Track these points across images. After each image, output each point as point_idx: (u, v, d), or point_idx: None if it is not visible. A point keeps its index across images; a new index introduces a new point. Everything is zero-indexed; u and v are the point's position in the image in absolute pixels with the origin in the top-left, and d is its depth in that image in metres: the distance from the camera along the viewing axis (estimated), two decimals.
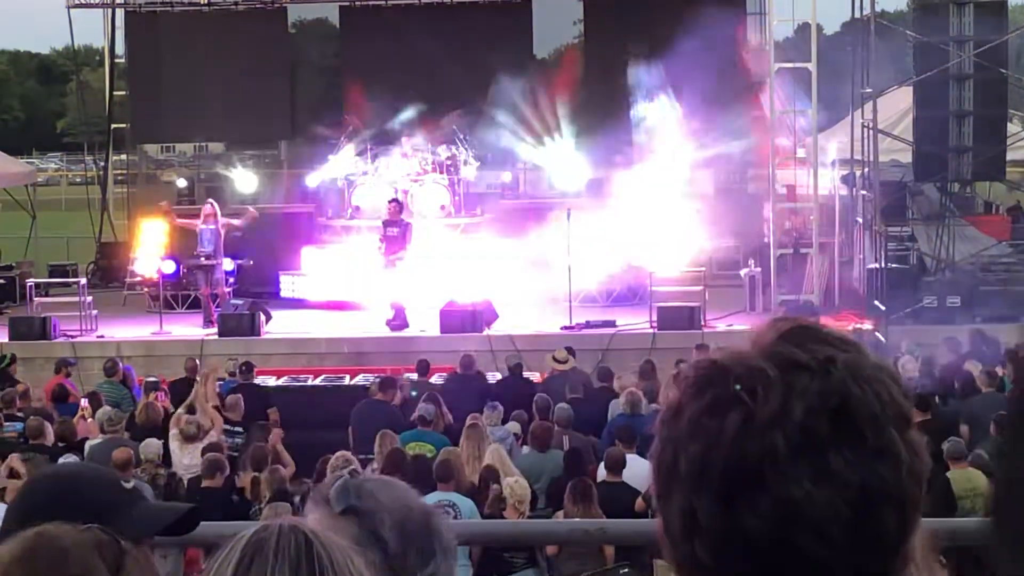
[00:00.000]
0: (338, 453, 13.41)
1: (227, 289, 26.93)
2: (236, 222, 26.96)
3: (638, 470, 13.94)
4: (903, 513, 1.63)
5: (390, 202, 26.59)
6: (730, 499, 1.58)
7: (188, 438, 16.07)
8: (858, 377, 1.62)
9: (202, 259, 26.35)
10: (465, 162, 30.09)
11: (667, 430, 1.66)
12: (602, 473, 13.98)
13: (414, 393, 18.23)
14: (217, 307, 26.20)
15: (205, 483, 14.23)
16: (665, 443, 1.66)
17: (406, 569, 2.71)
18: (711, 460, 1.60)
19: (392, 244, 25.59)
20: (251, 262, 27.43)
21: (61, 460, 14.25)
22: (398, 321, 25.15)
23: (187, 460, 15.63)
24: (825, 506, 1.57)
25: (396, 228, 25.72)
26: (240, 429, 17.30)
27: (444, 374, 20.67)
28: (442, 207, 29.23)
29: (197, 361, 21.48)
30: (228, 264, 27.34)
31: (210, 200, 28.14)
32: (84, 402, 18.41)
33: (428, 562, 2.74)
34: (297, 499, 12.86)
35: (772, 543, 1.58)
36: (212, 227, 26.31)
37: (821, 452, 1.58)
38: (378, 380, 18.82)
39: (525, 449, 15.57)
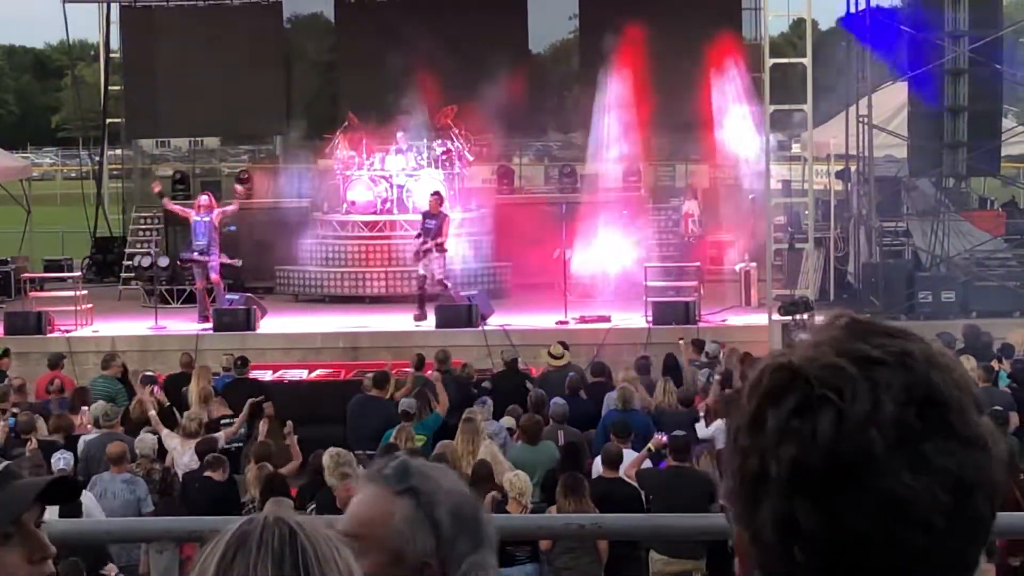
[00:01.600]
0: (331, 449, 13.40)
1: (222, 281, 26.80)
2: (229, 208, 27.04)
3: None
4: (995, 498, 1.63)
5: (432, 195, 26.68)
6: (831, 500, 1.58)
7: (189, 435, 16.07)
8: (937, 367, 1.62)
9: (195, 253, 26.33)
10: (460, 157, 30.06)
11: (749, 439, 1.64)
12: (599, 468, 13.99)
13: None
14: (213, 300, 26.17)
15: (207, 473, 14.24)
16: (748, 452, 1.64)
17: (454, 554, 2.72)
18: (807, 463, 1.58)
19: (427, 236, 25.77)
20: (239, 263, 27.30)
21: (54, 457, 14.29)
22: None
23: (187, 459, 15.60)
24: (927, 498, 1.57)
25: (434, 220, 25.96)
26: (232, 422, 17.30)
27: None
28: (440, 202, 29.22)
29: (192, 356, 21.48)
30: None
31: (207, 192, 28.14)
32: None
33: (476, 549, 2.75)
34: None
35: (876, 538, 1.58)
36: (207, 219, 26.29)
37: (916, 445, 1.58)
38: (372, 376, 18.81)
39: (518, 444, 15.59)
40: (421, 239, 25.89)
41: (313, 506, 12.72)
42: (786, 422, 1.60)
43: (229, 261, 26.76)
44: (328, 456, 13.01)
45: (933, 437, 1.59)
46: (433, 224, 26.01)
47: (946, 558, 1.60)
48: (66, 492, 2.84)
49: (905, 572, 1.60)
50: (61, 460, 13.95)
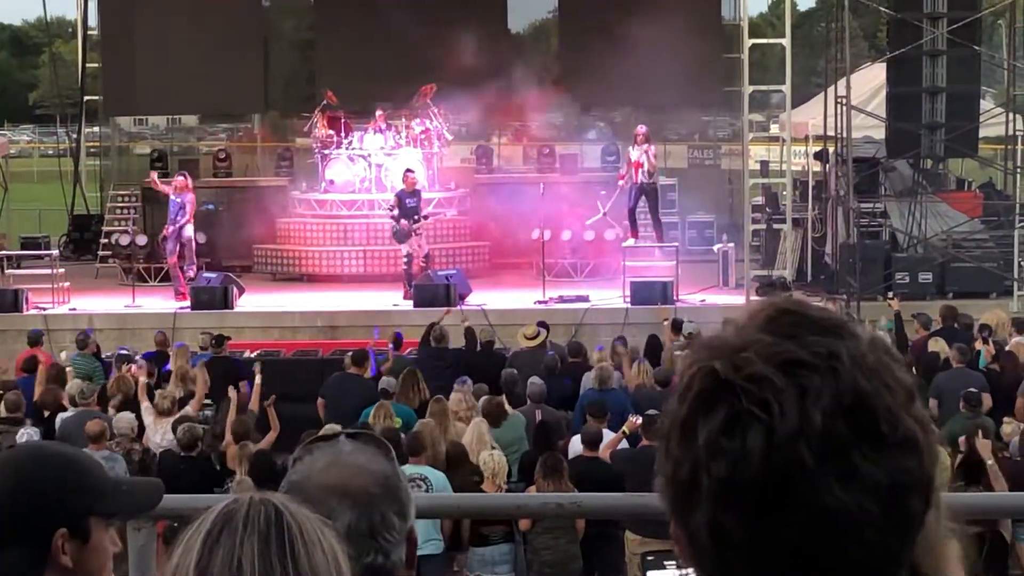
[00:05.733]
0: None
1: (195, 259, 26.88)
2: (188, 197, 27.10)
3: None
4: (928, 495, 1.62)
5: (409, 172, 26.80)
6: (761, 514, 1.57)
7: (162, 413, 16.04)
8: (864, 369, 1.59)
9: (169, 228, 26.42)
10: (439, 136, 30.04)
11: (680, 449, 1.62)
12: (578, 448, 14.00)
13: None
14: (190, 280, 26.13)
15: (183, 454, 14.23)
16: (679, 462, 1.62)
17: None
18: (737, 480, 1.57)
19: (411, 215, 25.80)
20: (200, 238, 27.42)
21: (19, 434, 14.21)
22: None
23: (158, 438, 15.57)
24: (857, 508, 1.56)
25: (414, 199, 26.11)
26: (208, 402, 17.29)
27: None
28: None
29: (167, 334, 21.45)
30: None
31: (183, 172, 28.11)
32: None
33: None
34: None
35: (809, 549, 1.57)
36: (178, 200, 26.39)
37: (845, 455, 1.56)
38: (351, 354, 18.80)
39: None
40: (405, 219, 25.83)
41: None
42: (716, 439, 1.58)
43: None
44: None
45: (862, 445, 1.57)
46: (414, 202, 26.01)
47: (879, 559, 1.60)
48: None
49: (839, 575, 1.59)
50: (24, 437, 13.84)
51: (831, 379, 1.57)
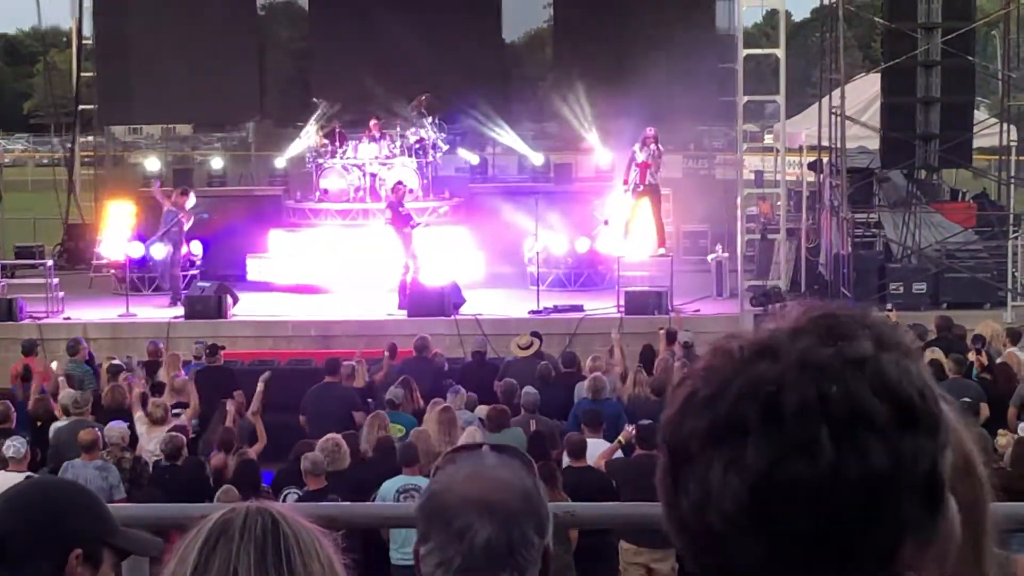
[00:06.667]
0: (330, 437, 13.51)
1: (182, 272, 27.28)
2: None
3: (594, 453, 14.09)
4: (935, 500, 1.62)
5: (399, 184, 27.15)
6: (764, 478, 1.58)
7: (155, 421, 16.02)
8: (895, 363, 1.63)
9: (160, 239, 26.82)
10: (433, 145, 30.04)
11: (693, 420, 1.64)
12: (566, 459, 13.99)
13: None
14: (168, 286, 26.59)
15: (168, 464, 14.22)
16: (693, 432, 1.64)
17: None
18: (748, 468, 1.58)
19: (407, 224, 26.03)
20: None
21: (6, 444, 14.13)
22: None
23: (151, 447, 15.55)
24: (860, 479, 1.57)
25: (405, 208, 26.43)
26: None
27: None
28: (410, 190, 29.18)
29: (159, 345, 21.43)
30: (196, 247, 27.85)
31: (186, 188, 28.35)
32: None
33: None
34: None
35: (803, 528, 1.58)
36: (174, 211, 26.75)
37: (856, 433, 1.57)
38: (325, 363, 18.74)
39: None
40: (398, 228, 25.98)
41: (290, 493, 12.74)
42: (735, 408, 1.59)
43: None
44: (320, 449, 13.14)
45: (876, 427, 1.57)
46: (406, 211, 26.24)
47: (871, 550, 1.59)
48: None
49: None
50: (11, 448, 13.80)
51: (859, 370, 1.59)
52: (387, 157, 29.53)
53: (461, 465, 2.66)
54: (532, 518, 2.60)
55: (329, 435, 13.84)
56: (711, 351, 1.66)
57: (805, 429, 1.57)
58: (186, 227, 27.40)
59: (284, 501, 11.68)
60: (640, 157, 27.51)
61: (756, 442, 1.57)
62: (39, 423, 16.63)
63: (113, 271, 29.28)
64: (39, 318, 25.10)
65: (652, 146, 27.30)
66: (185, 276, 27.57)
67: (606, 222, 27.79)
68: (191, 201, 27.69)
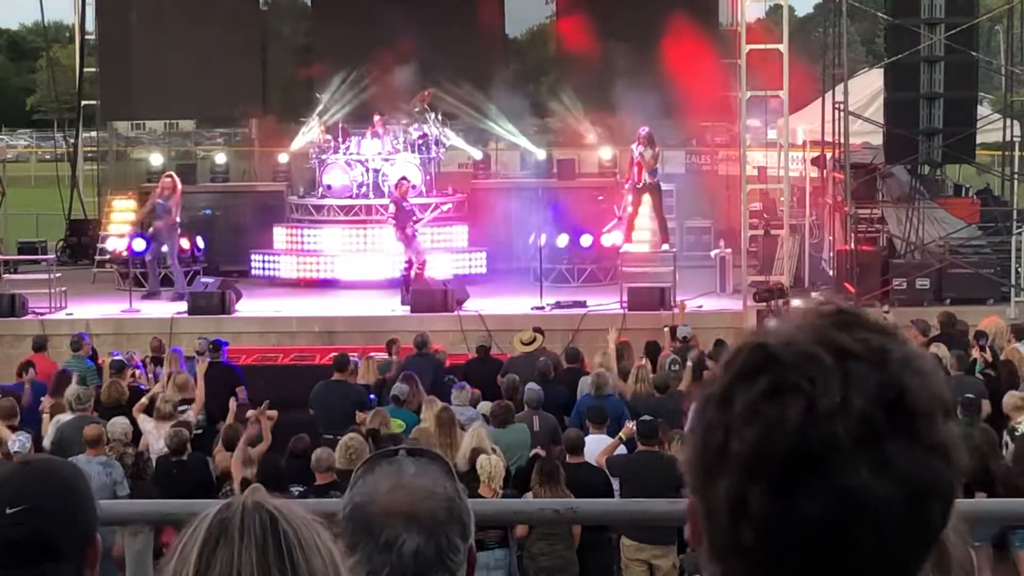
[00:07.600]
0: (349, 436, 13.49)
1: (179, 264, 27.44)
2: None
3: (597, 449, 14.07)
4: (948, 506, 1.63)
5: (403, 179, 27.17)
6: (787, 486, 1.57)
7: (163, 417, 16.01)
8: (913, 371, 1.62)
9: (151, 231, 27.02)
10: (436, 141, 30.01)
11: (716, 414, 1.63)
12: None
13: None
14: (158, 277, 26.82)
15: (174, 459, 14.22)
16: (713, 427, 1.63)
17: None
18: (769, 446, 1.58)
19: (411, 219, 26.15)
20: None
21: (11, 440, 14.15)
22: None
23: (160, 444, 15.53)
24: (882, 497, 1.57)
25: (408, 203, 26.51)
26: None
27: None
28: (413, 186, 29.17)
29: (162, 340, 21.41)
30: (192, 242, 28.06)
31: (170, 173, 28.23)
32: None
33: None
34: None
35: (825, 531, 1.57)
36: (162, 201, 26.75)
37: (879, 443, 1.57)
38: (333, 359, 18.68)
39: (490, 428, 15.56)
40: (402, 225, 25.98)
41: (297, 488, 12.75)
42: (754, 403, 1.60)
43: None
44: (343, 446, 13.10)
45: (897, 439, 1.58)
46: (410, 206, 26.21)
47: (891, 562, 1.60)
48: None
49: (848, 571, 1.60)
50: (16, 443, 13.80)
51: (878, 371, 1.60)
52: (390, 153, 29.50)
53: (380, 475, 2.69)
54: (456, 524, 2.66)
55: (351, 433, 13.80)
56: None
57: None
58: (176, 215, 27.28)
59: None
60: (635, 156, 27.59)
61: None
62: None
63: (116, 266, 29.28)
64: (42, 314, 25.09)
65: (642, 147, 27.31)
66: (187, 272, 27.57)
67: (620, 218, 27.80)
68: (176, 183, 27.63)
